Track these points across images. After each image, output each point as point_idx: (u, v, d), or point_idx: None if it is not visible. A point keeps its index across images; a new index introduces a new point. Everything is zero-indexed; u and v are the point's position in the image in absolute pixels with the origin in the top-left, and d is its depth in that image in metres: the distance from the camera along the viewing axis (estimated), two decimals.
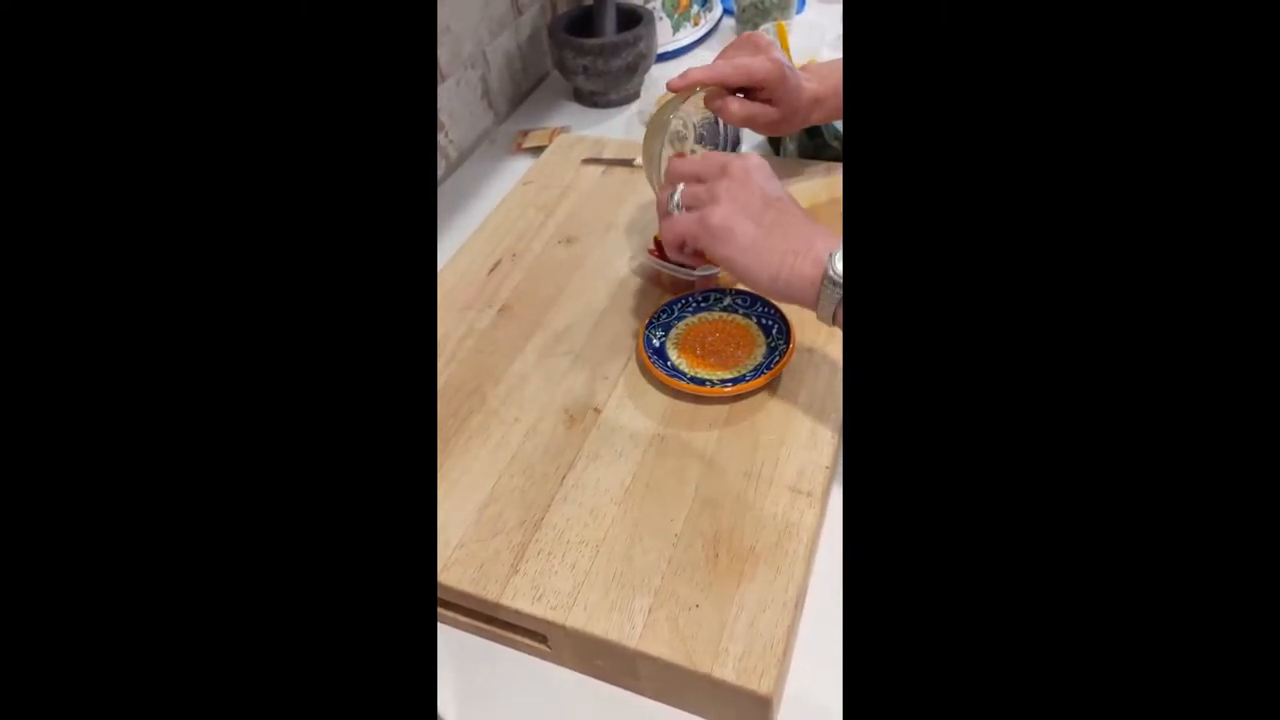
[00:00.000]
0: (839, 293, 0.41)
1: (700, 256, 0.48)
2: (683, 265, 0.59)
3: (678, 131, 0.59)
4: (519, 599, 0.41)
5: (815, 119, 0.61)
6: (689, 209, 0.46)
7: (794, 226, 0.44)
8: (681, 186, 0.47)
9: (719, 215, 0.44)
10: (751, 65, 0.54)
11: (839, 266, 0.41)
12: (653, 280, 0.61)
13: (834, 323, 0.42)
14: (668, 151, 0.58)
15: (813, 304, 0.43)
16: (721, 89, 0.55)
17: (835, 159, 0.70)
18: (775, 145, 0.73)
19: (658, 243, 0.62)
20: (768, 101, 0.56)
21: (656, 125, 0.55)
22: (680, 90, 0.54)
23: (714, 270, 0.59)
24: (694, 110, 0.59)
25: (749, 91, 0.56)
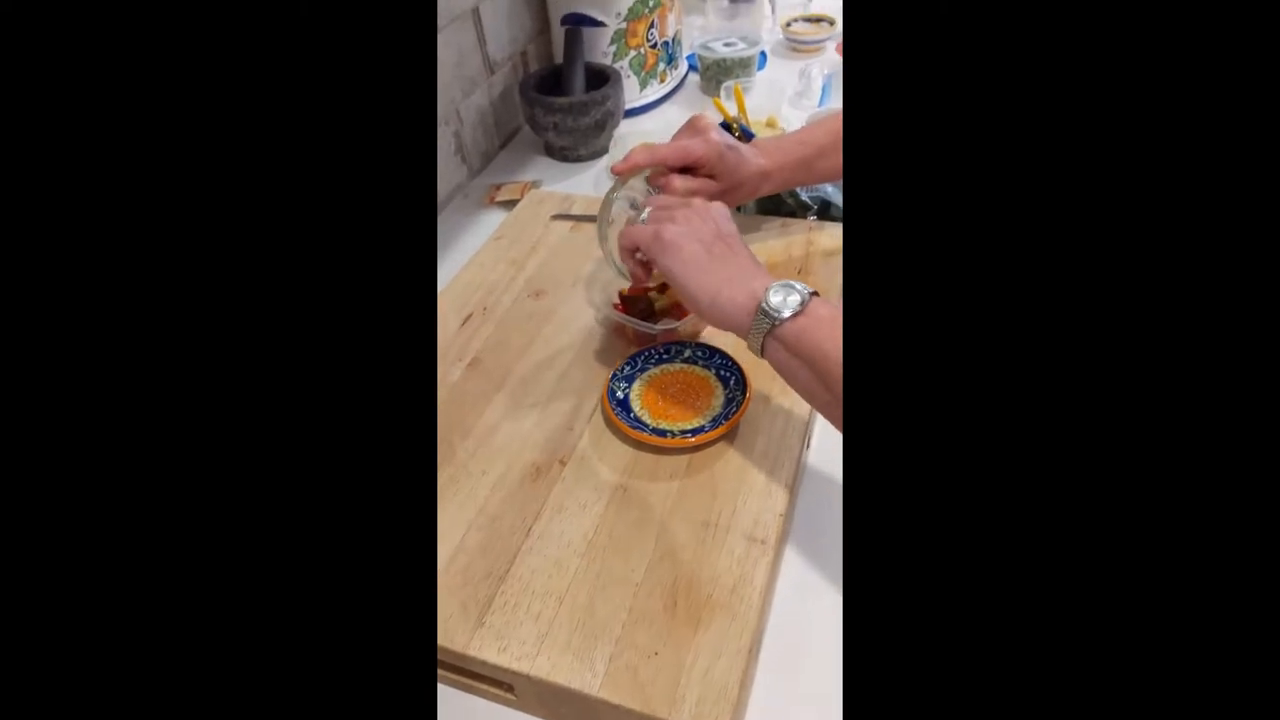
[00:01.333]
0: (768, 323, 0.44)
1: (647, 268, 0.53)
2: (646, 320, 0.62)
3: (632, 200, 0.63)
4: (485, 650, 0.43)
5: (765, 191, 0.65)
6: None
7: (738, 261, 0.48)
8: (649, 209, 0.53)
9: (672, 232, 0.49)
10: (690, 146, 0.59)
11: (772, 300, 0.44)
12: (617, 333, 0.64)
13: (761, 354, 0.46)
14: (619, 227, 0.62)
15: (745, 331, 0.46)
16: (664, 169, 0.60)
17: (791, 215, 0.74)
18: None
19: (623, 297, 0.64)
20: (710, 176, 0.61)
21: (606, 204, 0.59)
22: (623, 173, 0.58)
23: (675, 324, 0.61)
24: (644, 190, 0.63)
25: (691, 169, 0.60)
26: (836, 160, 0.65)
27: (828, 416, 0.45)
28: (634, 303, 0.63)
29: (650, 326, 0.61)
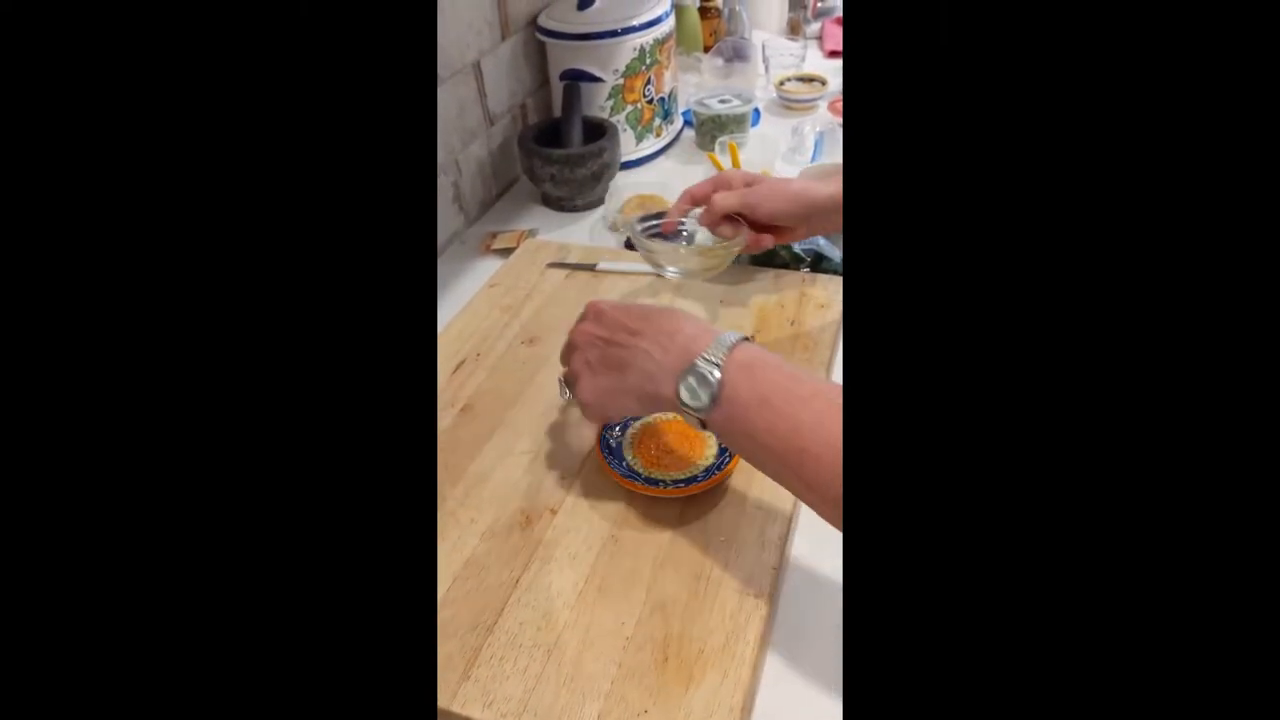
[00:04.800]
0: (695, 418, 0.43)
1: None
2: None
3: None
4: (470, 706, 0.42)
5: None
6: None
7: (641, 354, 0.46)
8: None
9: (582, 394, 0.49)
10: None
11: (683, 397, 0.43)
12: None
13: (702, 430, 0.45)
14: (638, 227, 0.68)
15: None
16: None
17: (784, 267, 0.75)
18: None
19: None
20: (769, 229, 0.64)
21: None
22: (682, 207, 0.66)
23: None
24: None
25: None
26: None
27: (779, 479, 0.43)
28: None
29: None
